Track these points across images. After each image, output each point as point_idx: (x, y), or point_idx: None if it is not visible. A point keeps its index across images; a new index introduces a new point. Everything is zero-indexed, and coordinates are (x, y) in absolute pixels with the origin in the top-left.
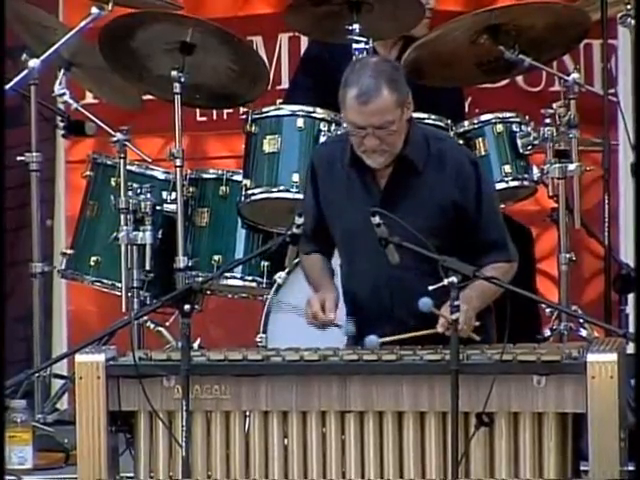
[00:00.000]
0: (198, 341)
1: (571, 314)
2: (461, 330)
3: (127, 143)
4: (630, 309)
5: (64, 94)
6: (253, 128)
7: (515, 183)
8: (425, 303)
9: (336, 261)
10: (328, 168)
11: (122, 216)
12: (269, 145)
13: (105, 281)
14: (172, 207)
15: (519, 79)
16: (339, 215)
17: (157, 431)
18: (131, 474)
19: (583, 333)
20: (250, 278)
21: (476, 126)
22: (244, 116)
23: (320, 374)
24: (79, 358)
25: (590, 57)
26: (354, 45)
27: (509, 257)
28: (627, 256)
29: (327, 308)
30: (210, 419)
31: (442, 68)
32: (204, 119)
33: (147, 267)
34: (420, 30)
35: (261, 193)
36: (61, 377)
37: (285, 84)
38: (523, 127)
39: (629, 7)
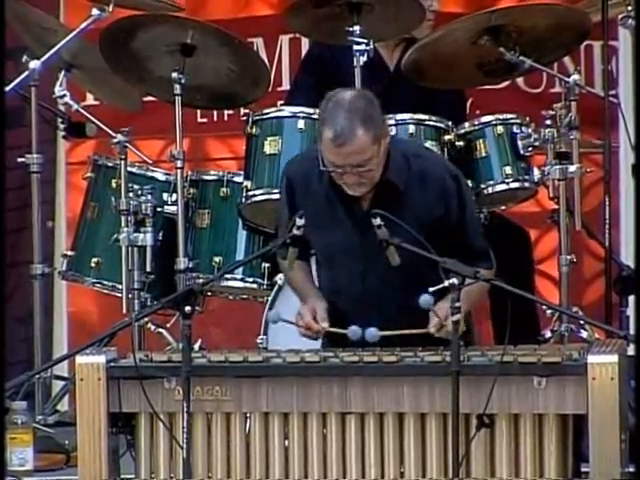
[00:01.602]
0: (199, 342)
1: (572, 315)
2: (450, 333)
3: (128, 144)
4: (630, 311)
5: (65, 95)
6: (254, 129)
7: (516, 184)
8: (426, 300)
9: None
10: (305, 185)
11: (123, 217)
12: (270, 146)
13: (106, 282)
14: (173, 208)
15: (520, 80)
16: (319, 233)
17: (158, 432)
18: (132, 476)
19: (584, 334)
20: (251, 279)
21: (477, 127)
22: (245, 117)
23: (321, 375)
24: (80, 359)
25: (591, 58)
26: (355, 47)
27: (491, 265)
28: (628, 258)
29: (319, 318)
30: (211, 420)
31: (443, 69)
32: (205, 120)
33: (148, 268)
34: (422, 32)
35: (262, 194)
36: (62, 378)
37: (286, 85)
38: (524, 128)
39: (630, 8)
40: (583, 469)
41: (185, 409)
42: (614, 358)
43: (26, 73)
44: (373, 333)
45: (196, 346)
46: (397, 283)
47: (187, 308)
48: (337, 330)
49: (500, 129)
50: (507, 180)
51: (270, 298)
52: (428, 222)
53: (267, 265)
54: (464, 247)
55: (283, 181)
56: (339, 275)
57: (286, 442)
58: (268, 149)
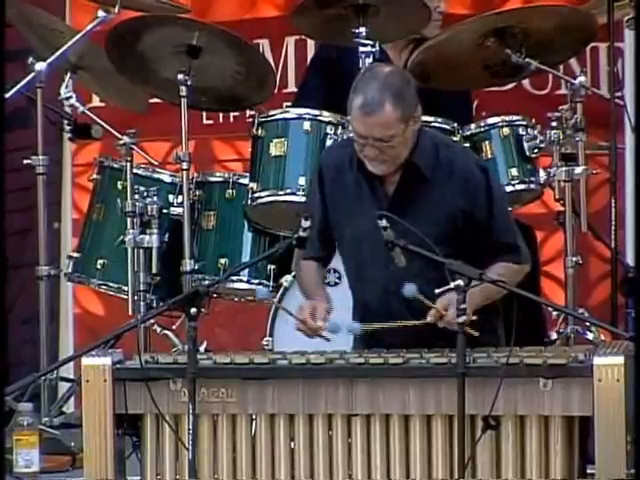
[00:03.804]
0: (204, 344)
1: (578, 317)
2: (452, 323)
3: (133, 146)
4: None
5: (71, 97)
6: (260, 131)
7: (521, 186)
8: (409, 289)
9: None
10: (336, 173)
11: (129, 219)
12: (276, 148)
13: (111, 284)
14: (178, 210)
15: (526, 82)
16: (347, 221)
17: (164, 434)
18: (138, 477)
19: (590, 336)
20: (256, 281)
21: (483, 129)
22: (251, 119)
23: (326, 377)
24: (86, 361)
25: (597, 60)
26: (361, 48)
27: (519, 259)
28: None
29: (317, 316)
30: (216, 422)
31: (449, 71)
32: (210, 122)
33: (153, 270)
34: (432, 31)
35: (268, 196)
36: (68, 380)
37: (292, 87)
38: (530, 130)
39: None
40: (589, 470)
41: (191, 411)
42: (620, 360)
43: (32, 75)
44: (355, 327)
45: (202, 348)
46: (420, 272)
47: (193, 310)
48: (322, 336)
49: (506, 131)
50: (513, 182)
51: (276, 300)
52: (453, 213)
53: (273, 267)
54: (491, 241)
55: (316, 171)
56: (365, 264)
57: (292, 444)
58: (274, 151)
